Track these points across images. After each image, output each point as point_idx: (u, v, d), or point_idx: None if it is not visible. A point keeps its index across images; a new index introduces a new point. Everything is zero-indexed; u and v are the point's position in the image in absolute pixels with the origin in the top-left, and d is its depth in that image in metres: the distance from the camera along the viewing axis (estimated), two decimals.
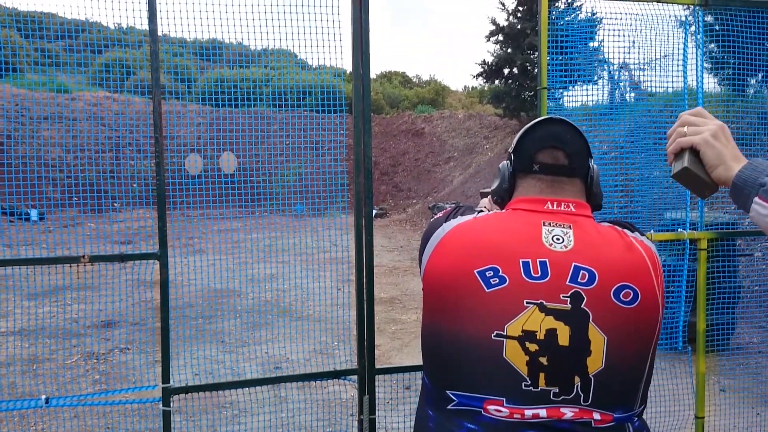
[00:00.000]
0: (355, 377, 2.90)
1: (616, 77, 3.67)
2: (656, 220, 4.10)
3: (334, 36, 2.79)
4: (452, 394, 1.46)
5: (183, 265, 5.12)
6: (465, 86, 53.80)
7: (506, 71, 25.63)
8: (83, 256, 2.44)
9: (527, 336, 1.42)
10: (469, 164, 25.36)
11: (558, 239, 1.52)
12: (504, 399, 1.40)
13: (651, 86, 3.59)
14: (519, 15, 24.98)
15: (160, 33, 2.72)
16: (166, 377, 2.68)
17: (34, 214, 12.64)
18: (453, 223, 1.61)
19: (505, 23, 25.35)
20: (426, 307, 1.58)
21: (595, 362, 1.42)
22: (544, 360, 1.41)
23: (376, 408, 3.02)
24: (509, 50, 25.14)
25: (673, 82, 3.47)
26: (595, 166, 1.70)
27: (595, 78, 3.61)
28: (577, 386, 1.41)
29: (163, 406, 2.64)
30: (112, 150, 15.96)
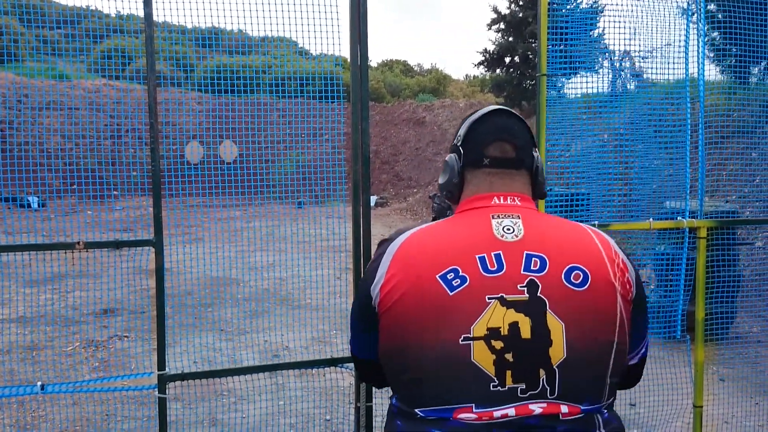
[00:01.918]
0: (352, 365, 2.90)
1: (617, 65, 3.64)
2: (656, 209, 4.08)
3: (332, 22, 2.76)
4: (420, 411, 1.43)
5: (183, 254, 5.11)
6: (467, 75, 53.65)
7: (507, 60, 25.60)
8: (78, 243, 2.42)
9: (492, 334, 1.39)
10: None
11: (508, 229, 1.52)
12: (473, 404, 1.38)
13: (652, 75, 3.57)
14: (521, 3, 24.90)
15: (156, 18, 2.69)
16: (161, 364, 2.67)
17: (34, 201, 12.61)
18: (401, 238, 1.56)
19: (507, 11, 25.27)
20: (387, 329, 1.51)
21: (557, 352, 1.41)
22: (509, 356, 1.39)
23: (373, 395, 3.02)
24: (510, 39, 25.10)
25: (674, 70, 3.45)
26: (538, 155, 1.72)
27: (596, 67, 3.59)
28: (543, 380, 1.39)
29: (158, 393, 2.63)
30: (111, 138, 15.93)
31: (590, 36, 3.37)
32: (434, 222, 1.62)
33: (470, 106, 29.66)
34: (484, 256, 1.45)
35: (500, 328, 1.39)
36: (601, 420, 1.45)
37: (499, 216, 1.55)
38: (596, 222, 3.23)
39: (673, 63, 3.39)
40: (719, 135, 6.05)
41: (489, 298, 1.41)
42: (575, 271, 1.46)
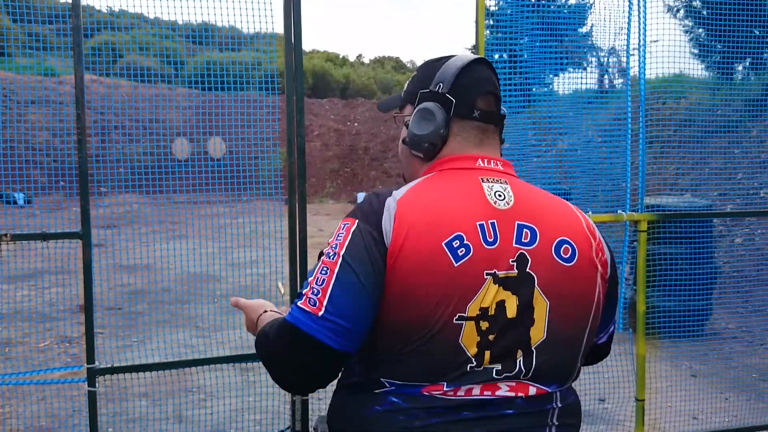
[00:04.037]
0: None
1: (559, 58, 3.61)
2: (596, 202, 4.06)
3: (266, 7, 2.71)
4: (387, 381, 1.32)
5: (166, 250, 5.06)
6: None
7: (497, 56, 25.54)
8: (5, 234, 2.40)
9: (482, 314, 1.30)
10: None
11: (500, 195, 1.39)
12: (445, 383, 1.30)
13: (598, 68, 3.55)
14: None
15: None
16: (90, 358, 2.64)
17: (20, 197, 12.56)
18: (395, 196, 1.37)
19: (495, 8, 25.21)
20: (390, 301, 1.30)
21: (538, 332, 1.34)
22: (492, 337, 1.31)
23: None
24: (499, 35, 25.03)
25: (616, 60, 3.42)
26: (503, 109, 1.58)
27: (536, 59, 3.55)
28: (520, 361, 1.33)
29: (88, 386, 2.61)
30: (97, 134, 15.85)
31: (528, 27, 3.33)
32: (417, 181, 1.43)
33: None
34: (483, 224, 1.33)
35: (489, 308, 1.31)
36: (558, 395, 1.39)
37: (488, 180, 1.41)
38: None
39: (616, 55, 3.35)
40: (702, 131, 6.04)
41: (486, 274, 1.30)
42: (565, 245, 1.38)
